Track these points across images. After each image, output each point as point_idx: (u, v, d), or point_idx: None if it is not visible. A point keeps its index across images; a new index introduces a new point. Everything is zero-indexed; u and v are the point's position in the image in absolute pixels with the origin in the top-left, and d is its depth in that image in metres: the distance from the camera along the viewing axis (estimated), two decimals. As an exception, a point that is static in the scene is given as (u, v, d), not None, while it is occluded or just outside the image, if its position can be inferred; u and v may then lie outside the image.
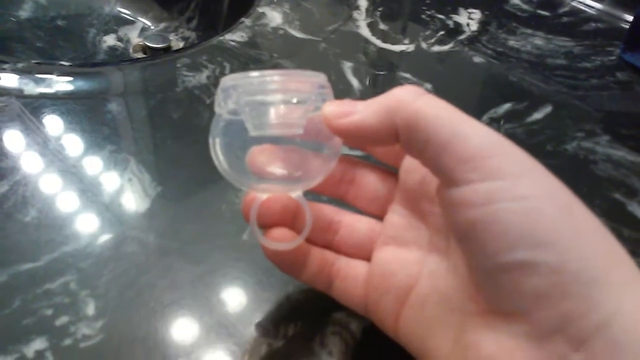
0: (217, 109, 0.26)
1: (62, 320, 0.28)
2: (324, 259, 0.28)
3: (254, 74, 0.24)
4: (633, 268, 0.20)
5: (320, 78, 0.25)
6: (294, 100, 0.24)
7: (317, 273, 0.28)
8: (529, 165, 0.21)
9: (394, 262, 0.27)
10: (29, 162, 0.37)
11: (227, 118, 0.25)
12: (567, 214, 0.20)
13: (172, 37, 0.73)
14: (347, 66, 0.50)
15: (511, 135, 0.44)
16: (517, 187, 0.20)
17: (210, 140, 0.26)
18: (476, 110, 0.47)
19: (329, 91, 0.26)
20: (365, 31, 0.56)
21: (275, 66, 0.49)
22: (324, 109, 0.25)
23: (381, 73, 0.50)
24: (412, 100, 0.23)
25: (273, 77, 0.24)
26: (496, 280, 0.21)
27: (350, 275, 0.28)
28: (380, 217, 0.28)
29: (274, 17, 0.56)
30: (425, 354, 0.25)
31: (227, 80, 0.24)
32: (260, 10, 0.57)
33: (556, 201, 0.20)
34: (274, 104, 0.24)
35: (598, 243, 0.20)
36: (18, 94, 0.43)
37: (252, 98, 0.24)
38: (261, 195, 0.26)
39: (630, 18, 0.60)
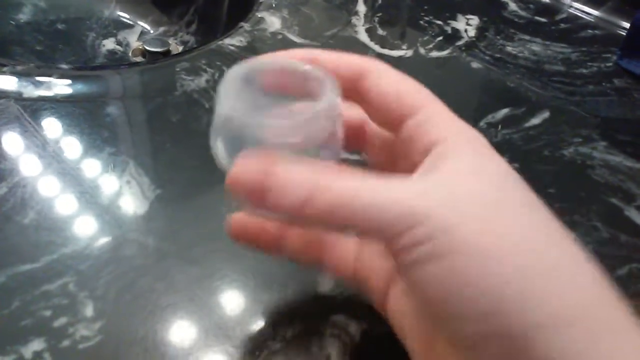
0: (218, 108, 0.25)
1: (61, 321, 0.28)
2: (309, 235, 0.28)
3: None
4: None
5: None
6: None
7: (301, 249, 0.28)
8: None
9: None
10: (28, 164, 0.37)
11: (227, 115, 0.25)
12: (496, 267, 0.19)
13: (171, 41, 0.73)
14: (346, 71, 0.50)
15: (508, 141, 0.44)
16: (442, 247, 0.20)
17: (212, 140, 0.26)
18: (474, 115, 0.47)
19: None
20: (363, 37, 0.56)
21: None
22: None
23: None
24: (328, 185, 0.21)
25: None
26: (442, 326, 0.21)
27: (339, 251, 0.28)
28: None
29: (273, 22, 0.57)
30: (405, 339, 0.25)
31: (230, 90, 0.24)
32: (259, 15, 0.58)
33: (483, 252, 0.20)
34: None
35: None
36: (17, 97, 0.43)
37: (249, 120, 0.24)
38: None
39: (626, 25, 0.61)
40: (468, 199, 0.20)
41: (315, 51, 0.26)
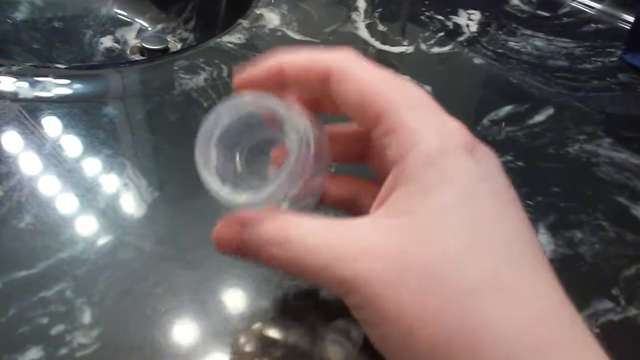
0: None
1: (58, 329, 0.28)
2: None
3: None
4: None
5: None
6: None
7: None
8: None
9: None
10: (24, 166, 0.36)
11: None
12: (412, 337, 0.20)
13: (169, 38, 0.72)
14: (346, 68, 0.49)
15: (512, 139, 0.43)
16: (371, 316, 0.21)
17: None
18: (477, 112, 0.46)
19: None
20: (364, 32, 0.55)
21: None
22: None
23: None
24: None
25: None
26: None
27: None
28: None
29: (272, 18, 0.56)
30: None
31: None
32: (257, 11, 0.57)
33: (402, 326, 0.20)
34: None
35: None
36: (13, 98, 0.42)
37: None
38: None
39: (630, 19, 0.60)
40: (403, 263, 0.20)
41: (284, 60, 0.25)
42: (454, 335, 0.19)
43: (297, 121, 0.24)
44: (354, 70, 0.23)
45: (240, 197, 0.24)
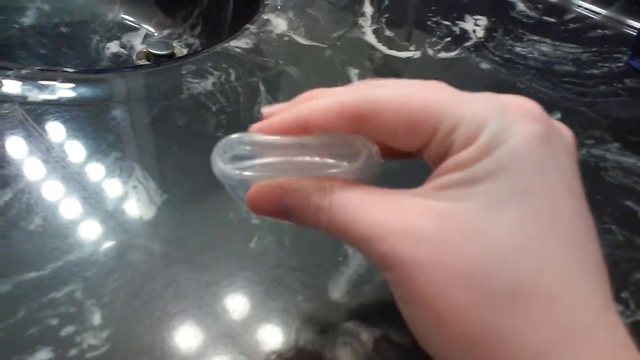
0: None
1: (68, 330, 0.28)
2: None
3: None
4: None
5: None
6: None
7: None
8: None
9: None
10: (33, 169, 0.37)
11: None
12: (443, 327, 0.20)
13: (175, 44, 0.73)
14: (353, 73, 0.49)
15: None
16: (406, 294, 0.21)
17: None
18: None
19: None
20: (371, 38, 0.56)
21: (280, 73, 0.49)
22: None
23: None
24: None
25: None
26: None
27: None
28: None
29: (279, 23, 0.56)
30: None
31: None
32: (265, 17, 0.57)
33: (433, 313, 0.20)
34: None
35: None
36: (21, 101, 0.42)
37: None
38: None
39: (636, 25, 0.60)
40: (442, 253, 0.20)
41: (306, 117, 0.23)
42: (477, 337, 0.19)
43: (363, 138, 0.23)
44: (386, 98, 0.22)
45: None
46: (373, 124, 0.22)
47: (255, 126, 0.24)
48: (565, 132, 0.22)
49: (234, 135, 0.24)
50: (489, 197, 0.20)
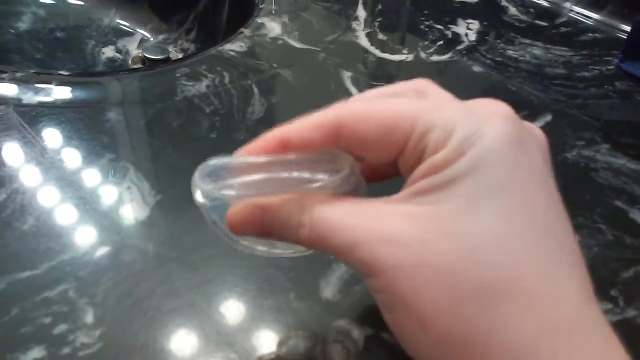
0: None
1: (61, 328, 0.28)
2: None
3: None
4: None
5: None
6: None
7: None
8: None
9: None
10: (27, 170, 0.37)
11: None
12: (427, 329, 0.20)
13: (171, 49, 0.73)
14: (347, 76, 0.50)
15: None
16: (390, 301, 0.21)
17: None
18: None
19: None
20: (364, 41, 0.56)
21: (274, 76, 0.49)
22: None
23: (380, 84, 0.50)
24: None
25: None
26: None
27: None
28: None
29: (273, 27, 0.57)
30: None
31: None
32: (259, 20, 0.57)
33: (416, 316, 0.20)
34: None
35: None
36: (17, 104, 0.42)
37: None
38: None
39: (627, 28, 0.61)
40: (422, 255, 0.20)
41: (286, 132, 0.23)
42: (460, 338, 0.19)
43: (344, 156, 0.24)
44: (364, 108, 0.22)
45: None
46: (350, 135, 0.22)
47: (238, 152, 0.25)
48: (537, 132, 0.23)
49: (214, 159, 0.24)
50: (465, 197, 0.20)
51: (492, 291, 0.19)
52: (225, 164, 0.24)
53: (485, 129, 0.20)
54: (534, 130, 0.23)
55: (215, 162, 0.24)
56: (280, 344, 0.29)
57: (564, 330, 0.19)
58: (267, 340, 0.29)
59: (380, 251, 0.20)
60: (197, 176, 0.24)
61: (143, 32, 0.77)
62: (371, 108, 0.22)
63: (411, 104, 0.22)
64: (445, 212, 0.20)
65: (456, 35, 0.59)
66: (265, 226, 0.23)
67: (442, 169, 0.20)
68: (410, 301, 0.20)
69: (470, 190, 0.20)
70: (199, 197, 0.24)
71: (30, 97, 0.43)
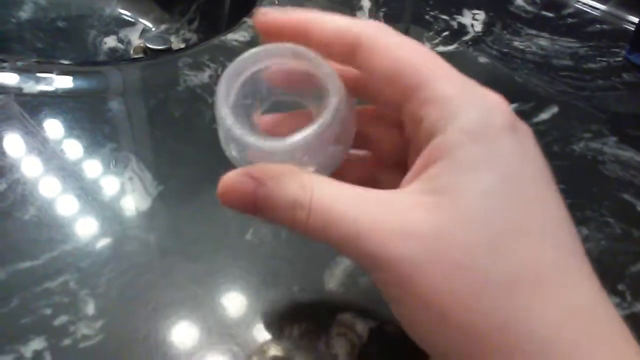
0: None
1: (62, 319, 0.28)
2: None
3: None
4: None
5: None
6: None
7: None
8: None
9: None
10: (28, 160, 0.36)
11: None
12: (444, 322, 0.19)
13: (173, 38, 0.72)
14: (351, 66, 0.49)
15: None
16: (398, 297, 0.20)
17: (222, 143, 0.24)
18: (481, 110, 0.46)
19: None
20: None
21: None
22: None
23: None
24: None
25: None
26: None
27: None
28: None
29: (277, 17, 0.56)
30: None
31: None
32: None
33: (435, 312, 0.19)
34: None
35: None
36: (17, 93, 0.42)
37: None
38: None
39: (635, 19, 0.60)
40: (438, 246, 0.19)
41: (312, 26, 0.23)
42: (485, 327, 0.19)
43: (337, 83, 0.22)
44: (386, 41, 0.22)
45: (259, 142, 0.22)
46: (364, 57, 0.22)
47: (259, 23, 0.24)
48: (531, 131, 0.22)
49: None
50: (480, 186, 0.19)
51: (513, 282, 0.18)
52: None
53: (493, 117, 0.20)
54: (527, 127, 0.22)
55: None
56: (284, 336, 0.28)
57: (583, 319, 0.18)
58: (270, 332, 0.28)
59: (390, 244, 0.19)
60: (223, 87, 0.23)
61: (145, 22, 0.76)
62: (394, 43, 0.21)
63: (422, 56, 0.21)
64: (459, 202, 0.19)
65: (462, 26, 0.58)
66: (258, 200, 0.21)
67: (452, 153, 0.20)
68: (428, 295, 0.19)
69: (485, 181, 0.19)
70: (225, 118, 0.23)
71: (31, 86, 0.43)
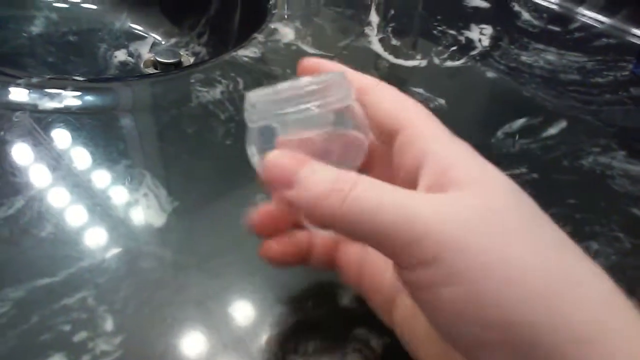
0: (249, 124, 0.25)
1: (81, 336, 0.28)
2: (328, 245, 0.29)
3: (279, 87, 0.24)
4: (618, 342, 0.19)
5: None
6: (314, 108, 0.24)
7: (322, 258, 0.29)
8: (464, 241, 0.20)
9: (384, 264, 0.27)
10: (44, 177, 0.37)
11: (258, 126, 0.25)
12: (513, 287, 0.19)
13: (182, 52, 0.73)
14: (360, 81, 0.50)
15: (526, 151, 0.44)
16: (453, 272, 0.20)
17: (247, 149, 0.25)
18: (490, 125, 0.46)
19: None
20: (377, 47, 0.56)
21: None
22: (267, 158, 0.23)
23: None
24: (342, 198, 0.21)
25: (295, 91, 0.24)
26: (455, 346, 0.21)
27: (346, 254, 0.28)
28: None
29: (286, 33, 0.57)
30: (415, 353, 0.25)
31: (253, 97, 0.24)
32: (272, 26, 0.58)
33: (500, 275, 0.19)
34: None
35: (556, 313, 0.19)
36: (33, 109, 0.43)
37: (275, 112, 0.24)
38: None
39: (641, 34, 0.61)
40: (479, 219, 0.20)
41: (325, 64, 0.27)
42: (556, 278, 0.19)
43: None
44: (391, 89, 0.26)
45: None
46: (372, 93, 0.26)
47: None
48: None
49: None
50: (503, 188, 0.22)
51: (544, 270, 0.20)
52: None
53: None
54: None
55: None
56: (299, 352, 0.29)
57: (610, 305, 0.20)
58: (285, 348, 0.29)
59: (431, 221, 0.20)
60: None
61: (155, 36, 0.77)
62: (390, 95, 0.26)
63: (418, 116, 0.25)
64: (483, 193, 0.21)
65: (469, 41, 0.59)
66: (299, 176, 0.22)
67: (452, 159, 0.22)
68: (466, 273, 0.19)
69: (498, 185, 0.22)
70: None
71: (45, 103, 0.43)
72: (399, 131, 0.24)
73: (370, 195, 0.21)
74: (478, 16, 0.63)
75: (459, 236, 0.20)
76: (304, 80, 0.24)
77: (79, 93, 0.45)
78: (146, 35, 0.77)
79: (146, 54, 0.74)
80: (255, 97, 0.24)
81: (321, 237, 0.28)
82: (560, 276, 0.19)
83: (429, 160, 0.22)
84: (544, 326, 0.18)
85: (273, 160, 0.23)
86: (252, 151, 0.25)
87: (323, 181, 0.22)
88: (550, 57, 0.57)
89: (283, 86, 0.24)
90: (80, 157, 0.39)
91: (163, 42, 0.76)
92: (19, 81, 0.45)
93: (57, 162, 0.38)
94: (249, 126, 0.25)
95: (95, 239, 0.33)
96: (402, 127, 0.24)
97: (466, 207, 0.20)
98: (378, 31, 0.59)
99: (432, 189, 0.22)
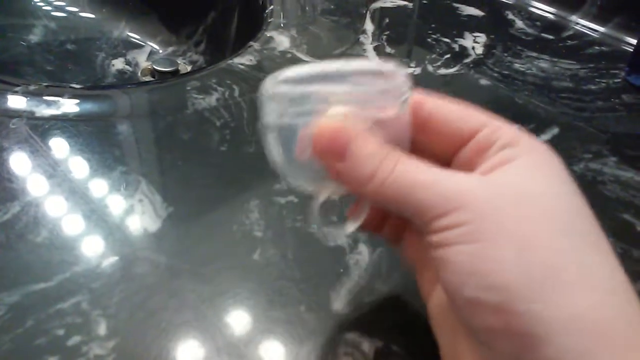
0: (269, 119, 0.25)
1: (74, 340, 0.28)
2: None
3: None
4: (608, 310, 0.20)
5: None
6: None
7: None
8: (493, 209, 0.21)
9: None
10: (40, 183, 0.37)
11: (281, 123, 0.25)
12: (526, 257, 0.20)
13: (180, 60, 0.74)
14: (355, 89, 0.50)
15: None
16: (473, 232, 0.21)
17: (268, 136, 0.26)
18: (483, 132, 0.47)
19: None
20: (372, 55, 0.57)
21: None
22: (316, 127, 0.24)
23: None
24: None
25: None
26: (458, 312, 0.22)
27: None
28: None
29: (282, 41, 0.57)
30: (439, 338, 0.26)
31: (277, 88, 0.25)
32: (268, 34, 0.58)
33: (515, 244, 0.20)
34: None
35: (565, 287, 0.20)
36: (29, 116, 0.43)
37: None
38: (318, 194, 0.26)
39: (633, 41, 0.61)
40: (514, 194, 0.21)
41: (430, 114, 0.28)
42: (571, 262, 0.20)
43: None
44: (445, 100, 0.27)
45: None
46: (434, 107, 0.27)
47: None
48: None
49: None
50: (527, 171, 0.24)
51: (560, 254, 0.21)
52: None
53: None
54: None
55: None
56: (291, 356, 0.29)
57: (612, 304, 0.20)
58: (278, 352, 0.29)
59: (465, 186, 0.22)
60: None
61: (152, 44, 0.78)
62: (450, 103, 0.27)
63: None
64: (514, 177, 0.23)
65: (463, 48, 0.59)
66: (348, 146, 0.23)
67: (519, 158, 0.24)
68: (497, 237, 0.20)
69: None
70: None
71: (42, 110, 0.44)
72: (476, 132, 0.25)
73: (407, 175, 0.23)
74: (472, 24, 0.64)
75: (487, 203, 0.21)
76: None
77: (76, 100, 0.45)
78: (144, 43, 0.78)
79: (144, 63, 0.75)
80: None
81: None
82: (567, 259, 0.21)
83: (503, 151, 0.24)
84: (530, 307, 0.19)
85: (324, 129, 0.24)
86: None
87: (372, 160, 0.23)
88: (544, 64, 0.57)
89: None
90: (77, 163, 0.39)
91: (161, 51, 0.77)
92: (17, 89, 0.45)
93: (53, 169, 0.38)
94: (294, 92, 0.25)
95: (90, 244, 0.34)
96: (480, 128, 0.25)
97: (501, 185, 0.22)
98: (373, 39, 0.59)
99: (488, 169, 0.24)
